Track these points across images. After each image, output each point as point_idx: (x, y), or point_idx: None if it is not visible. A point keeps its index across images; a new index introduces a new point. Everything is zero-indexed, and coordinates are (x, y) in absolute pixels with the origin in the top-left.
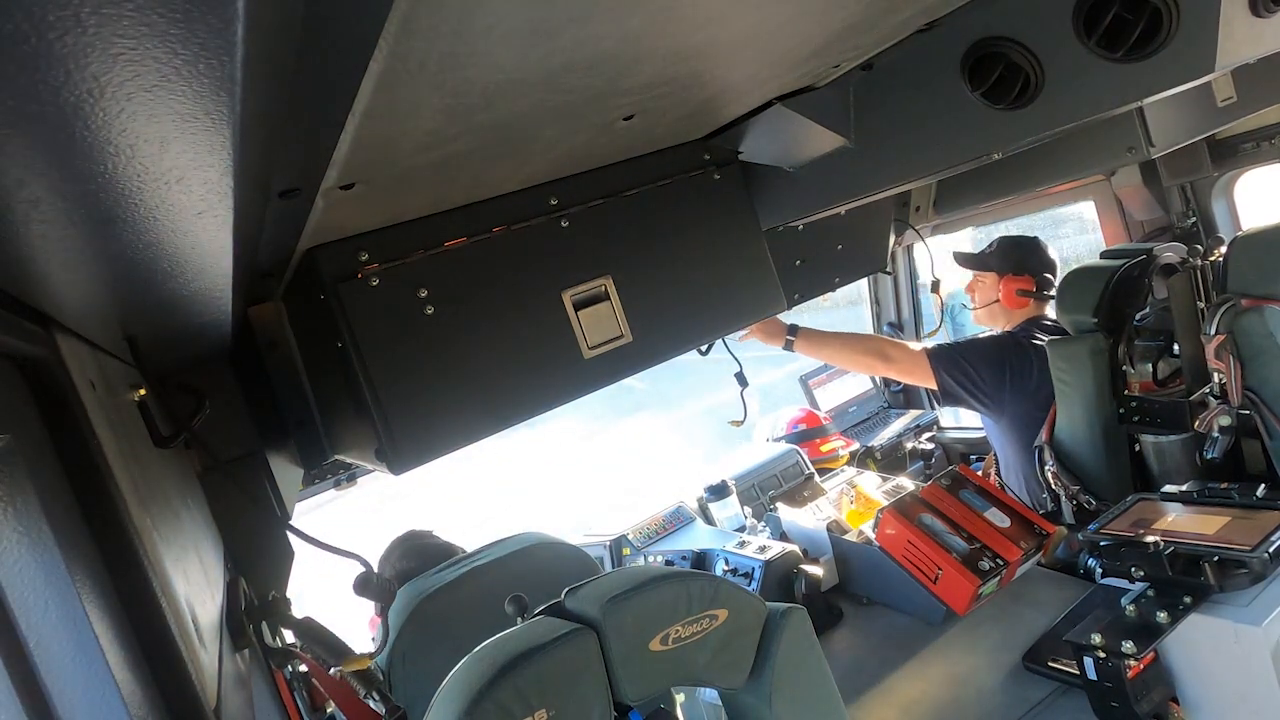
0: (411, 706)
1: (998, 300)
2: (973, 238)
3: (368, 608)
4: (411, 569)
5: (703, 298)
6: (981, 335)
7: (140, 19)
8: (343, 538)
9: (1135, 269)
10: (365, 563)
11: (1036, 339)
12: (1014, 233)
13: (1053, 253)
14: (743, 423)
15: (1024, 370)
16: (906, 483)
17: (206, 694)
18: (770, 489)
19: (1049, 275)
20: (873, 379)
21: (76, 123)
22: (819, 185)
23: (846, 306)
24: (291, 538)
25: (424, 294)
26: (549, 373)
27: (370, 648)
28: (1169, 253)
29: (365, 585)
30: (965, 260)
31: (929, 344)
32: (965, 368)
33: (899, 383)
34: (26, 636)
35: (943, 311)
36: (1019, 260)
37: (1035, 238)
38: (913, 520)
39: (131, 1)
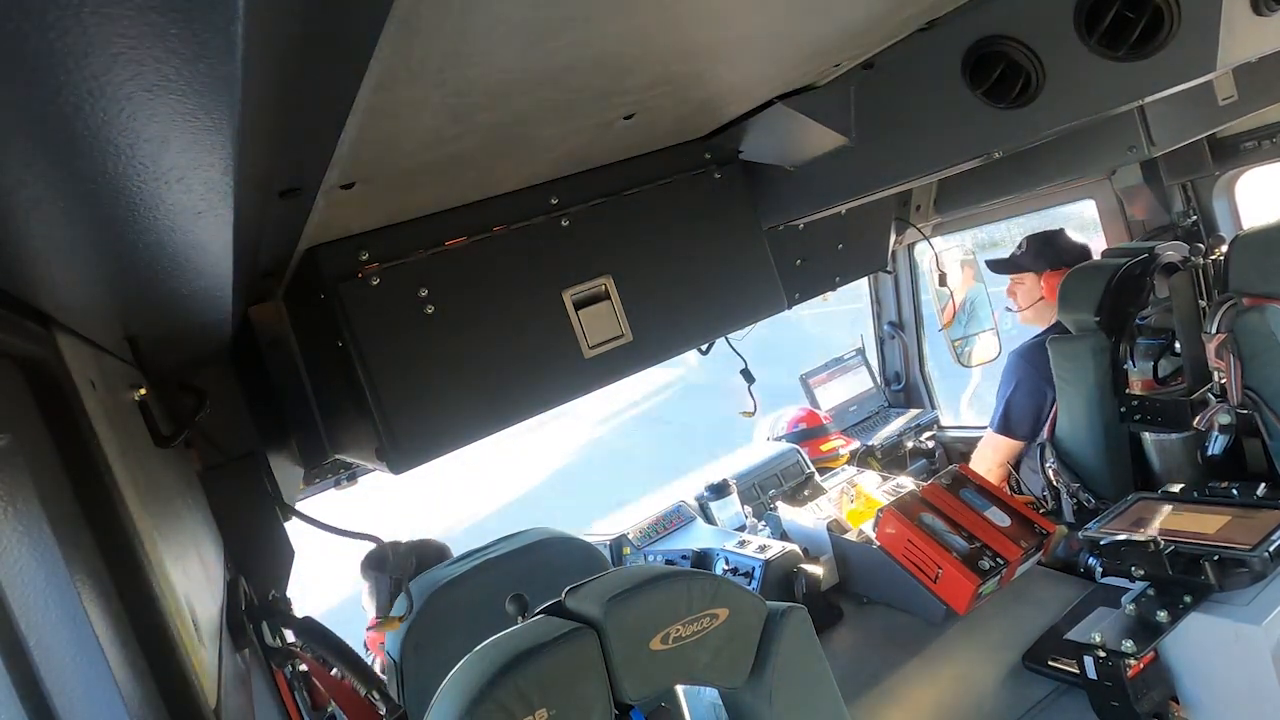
0: (423, 697)
1: (1042, 298)
2: (973, 237)
3: (368, 604)
4: (413, 561)
5: (703, 297)
6: (1009, 375)
7: (140, 19)
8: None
9: (1137, 268)
10: (378, 540)
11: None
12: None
13: (1079, 236)
14: (754, 413)
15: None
16: (907, 482)
17: (206, 694)
18: (771, 488)
19: (1083, 259)
20: (873, 377)
21: (76, 122)
22: (819, 184)
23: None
24: (293, 529)
25: (424, 293)
26: (549, 372)
27: (369, 658)
28: (1170, 251)
29: (381, 561)
30: (1000, 266)
31: (993, 430)
32: (1020, 414)
33: (900, 381)
34: (26, 636)
35: (958, 309)
36: (1054, 256)
37: (1060, 230)
38: (913, 519)
39: (131, 1)
